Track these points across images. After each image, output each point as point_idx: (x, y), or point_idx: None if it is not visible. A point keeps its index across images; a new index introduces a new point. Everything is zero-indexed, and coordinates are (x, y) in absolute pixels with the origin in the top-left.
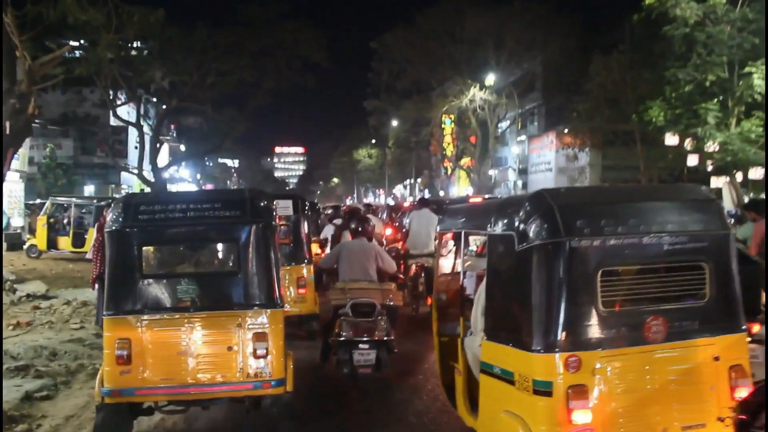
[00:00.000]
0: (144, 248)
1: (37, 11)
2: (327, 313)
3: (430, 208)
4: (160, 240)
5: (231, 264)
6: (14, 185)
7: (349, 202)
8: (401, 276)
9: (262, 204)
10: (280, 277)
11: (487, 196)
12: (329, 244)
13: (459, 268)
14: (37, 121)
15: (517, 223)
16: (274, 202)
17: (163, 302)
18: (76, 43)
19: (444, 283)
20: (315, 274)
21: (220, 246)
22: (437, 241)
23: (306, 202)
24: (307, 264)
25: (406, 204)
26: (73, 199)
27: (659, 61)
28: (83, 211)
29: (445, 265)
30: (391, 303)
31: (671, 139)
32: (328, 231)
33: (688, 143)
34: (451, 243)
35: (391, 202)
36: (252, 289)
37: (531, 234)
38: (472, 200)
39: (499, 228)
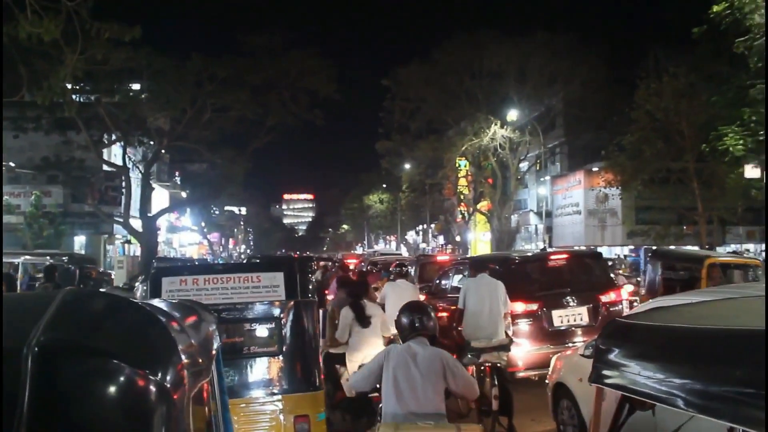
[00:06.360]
0: None
1: None
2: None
3: (490, 272)
4: None
5: None
6: None
7: (359, 250)
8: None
9: None
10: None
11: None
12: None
13: None
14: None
15: None
16: None
17: None
18: None
19: None
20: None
21: None
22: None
23: (310, 269)
24: (314, 390)
25: (441, 255)
26: (23, 258)
27: (728, 81)
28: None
29: None
30: None
31: (752, 172)
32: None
33: None
34: None
35: (404, 250)
36: None
37: None
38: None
39: None
